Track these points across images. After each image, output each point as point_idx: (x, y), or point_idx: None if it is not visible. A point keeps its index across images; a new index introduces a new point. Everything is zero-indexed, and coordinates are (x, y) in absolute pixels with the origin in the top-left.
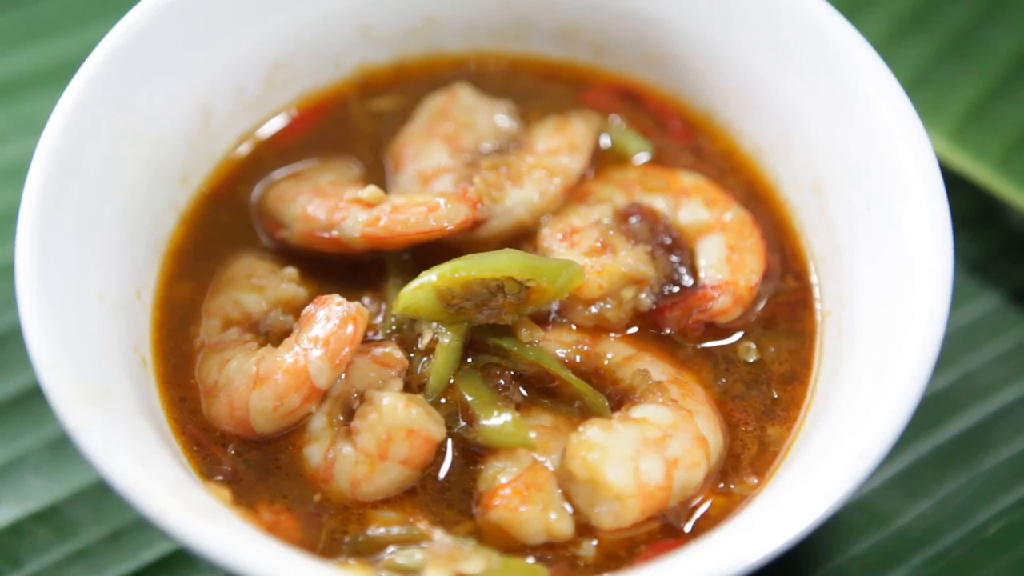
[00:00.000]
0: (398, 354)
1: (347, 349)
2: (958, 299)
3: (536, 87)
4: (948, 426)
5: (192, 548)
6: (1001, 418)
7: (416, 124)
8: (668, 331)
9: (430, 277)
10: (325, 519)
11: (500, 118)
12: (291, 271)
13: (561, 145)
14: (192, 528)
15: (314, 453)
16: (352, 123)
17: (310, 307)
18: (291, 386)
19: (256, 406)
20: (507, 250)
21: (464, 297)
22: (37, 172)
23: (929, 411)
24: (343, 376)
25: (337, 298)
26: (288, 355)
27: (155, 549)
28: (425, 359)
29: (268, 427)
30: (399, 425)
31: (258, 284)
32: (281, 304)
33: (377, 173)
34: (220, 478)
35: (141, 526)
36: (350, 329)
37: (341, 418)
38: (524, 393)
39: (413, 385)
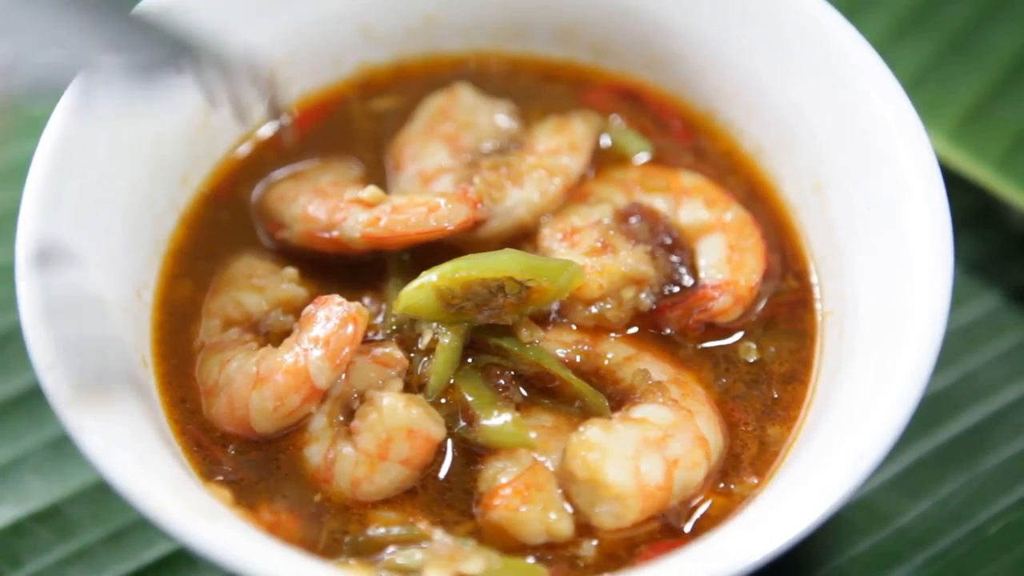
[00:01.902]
0: (398, 354)
1: (347, 349)
2: (958, 299)
3: (536, 87)
4: (948, 426)
5: (193, 549)
6: (1001, 418)
7: (416, 124)
8: (668, 331)
9: (430, 277)
10: (325, 519)
11: (500, 118)
12: (291, 271)
13: (561, 145)
14: (193, 529)
15: (314, 453)
16: (352, 123)
17: (310, 307)
18: (291, 386)
19: (256, 406)
20: (507, 250)
21: (464, 297)
22: (37, 172)
23: (929, 411)
24: (343, 376)
25: (337, 298)
26: (288, 355)
27: (156, 549)
28: (425, 359)
29: (268, 427)
30: (399, 425)
31: (258, 284)
32: (281, 304)
33: (377, 173)
34: (220, 478)
35: (142, 526)
36: (350, 329)
37: (341, 418)
38: (524, 393)
39: (413, 385)
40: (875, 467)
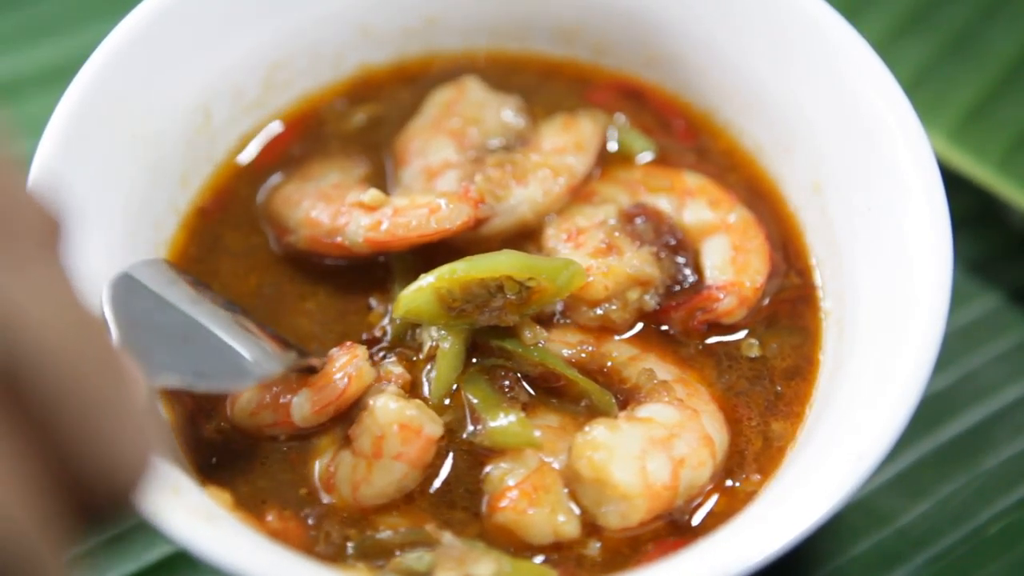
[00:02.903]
0: (397, 369)
1: (330, 403)
2: (958, 299)
3: (538, 86)
4: (948, 426)
5: (193, 551)
6: (1001, 418)
7: (422, 118)
8: (671, 331)
9: (428, 279)
10: (330, 525)
11: (507, 114)
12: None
13: (567, 144)
14: (192, 531)
15: (318, 465)
16: (353, 123)
17: (335, 350)
18: (270, 406)
19: (241, 404)
20: (506, 250)
21: (464, 299)
22: (37, 172)
23: (929, 411)
24: None
25: (359, 350)
26: (292, 383)
27: (156, 551)
28: (428, 367)
29: (244, 425)
30: (390, 421)
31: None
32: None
33: (381, 170)
34: (222, 482)
35: (142, 528)
36: (343, 385)
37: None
38: (531, 392)
39: (418, 393)
40: (876, 467)
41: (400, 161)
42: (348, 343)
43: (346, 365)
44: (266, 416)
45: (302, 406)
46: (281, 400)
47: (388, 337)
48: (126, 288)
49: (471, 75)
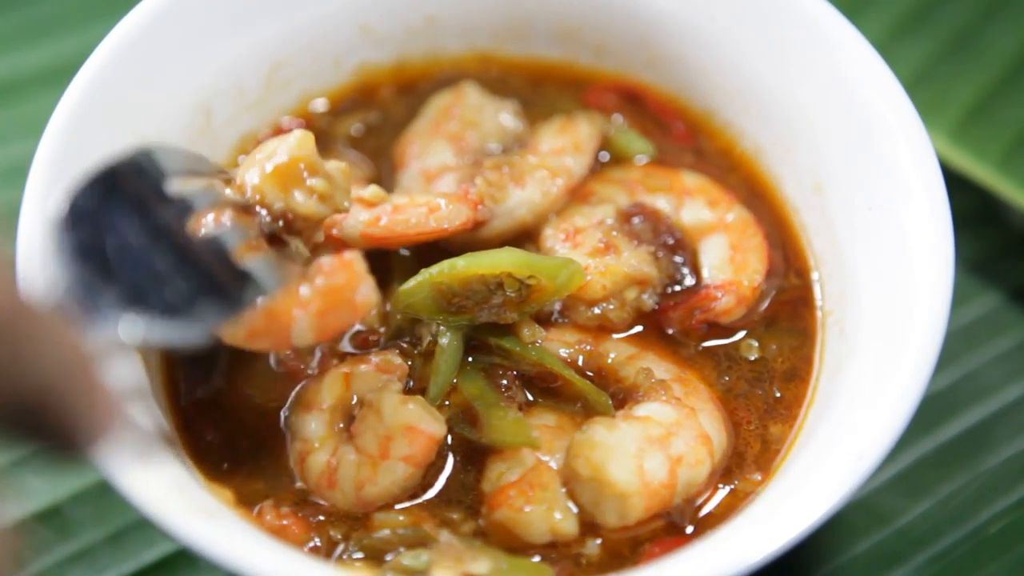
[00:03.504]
0: (397, 360)
1: (336, 332)
2: (958, 299)
3: (537, 88)
4: (948, 426)
5: (194, 549)
6: (1001, 418)
7: (421, 122)
8: (671, 332)
9: (428, 273)
10: (330, 523)
11: (505, 117)
12: (338, 165)
13: (565, 146)
14: (194, 528)
15: (318, 461)
16: (351, 130)
17: (334, 262)
18: (266, 330)
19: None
20: (507, 248)
21: (464, 295)
22: (38, 172)
23: (929, 411)
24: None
25: (360, 264)
26: (287, 299)
27: (156, 549)
28: (421, 362)
29: (232, 342)
30: (398, 423)
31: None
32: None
33: (382, 170)
34: (223, 479)
35: (142, 526)
36: (353, 319)
37: (341, 425)
38: (527, 393)
39: (415, 388)
40: (876, 467)
41: (399, 164)
42: (344, 252)
43: (357, 293)
44: (261, 343)
45: (304, 335)
46: (280, 324)
47: (385, 331)
48: (135, 172)
49: (469, 80)
